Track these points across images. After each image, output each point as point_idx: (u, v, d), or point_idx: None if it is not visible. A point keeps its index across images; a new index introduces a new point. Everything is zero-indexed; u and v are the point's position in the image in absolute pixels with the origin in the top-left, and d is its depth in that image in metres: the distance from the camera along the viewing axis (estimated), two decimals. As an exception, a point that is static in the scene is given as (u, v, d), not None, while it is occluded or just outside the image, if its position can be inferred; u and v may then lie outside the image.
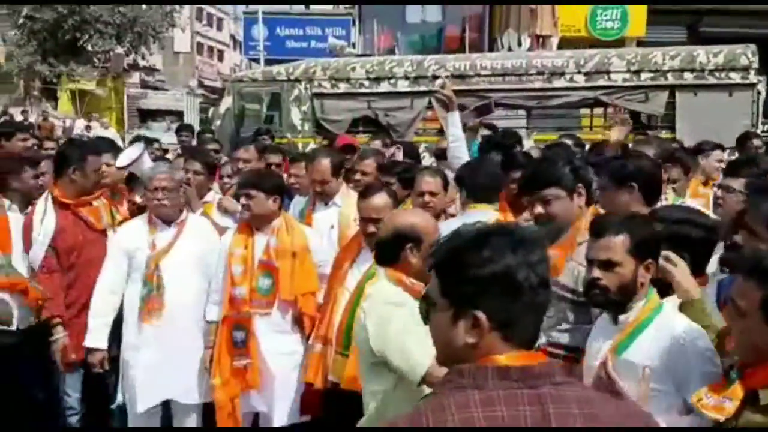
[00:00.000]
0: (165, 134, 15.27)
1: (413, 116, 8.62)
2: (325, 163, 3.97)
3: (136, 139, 6.92)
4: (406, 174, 3.93)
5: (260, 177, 3.69)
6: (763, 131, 8.72)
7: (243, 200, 3.56)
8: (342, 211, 3.95)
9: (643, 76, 8.06)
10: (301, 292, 3.55)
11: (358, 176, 4.25)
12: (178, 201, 3.70)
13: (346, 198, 3.99)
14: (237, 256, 3.57)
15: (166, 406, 3.75)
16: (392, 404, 2.24)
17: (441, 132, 8.60)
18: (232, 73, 40.99)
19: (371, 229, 3.04)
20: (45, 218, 3.74)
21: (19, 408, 3.51)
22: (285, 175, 4.57)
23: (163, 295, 3.54)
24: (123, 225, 3.75)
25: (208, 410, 3.68)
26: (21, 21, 22.12)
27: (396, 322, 2.19)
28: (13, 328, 3.50)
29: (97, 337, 3.64)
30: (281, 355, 3.55)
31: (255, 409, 3.63)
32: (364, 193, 3.31)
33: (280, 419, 3.55)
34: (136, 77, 28.37)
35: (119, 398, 3.68)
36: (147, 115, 22.99)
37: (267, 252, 3.54)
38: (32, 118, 18.31)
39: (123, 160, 4.22)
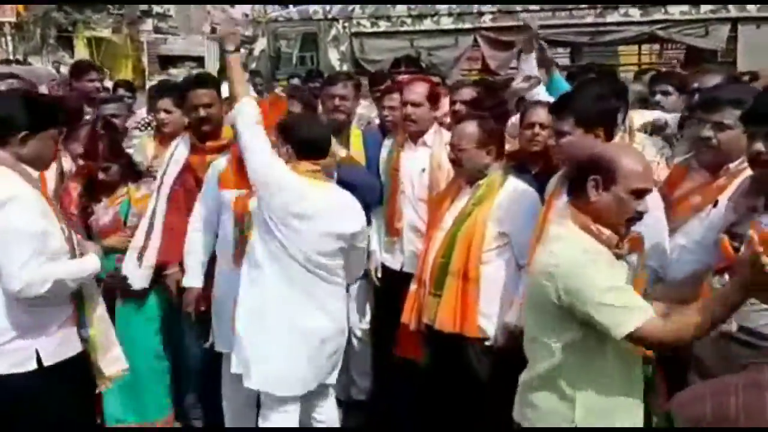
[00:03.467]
0: (187, 81, 14.85)
1: (458, 55, 8.27)
2: (422, 87, 3.66)
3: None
4: (499, 108, 3.65)
5: None
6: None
7: None
8: (433, 152, 3.66)
9: (703, 8, 7.64)
10: None
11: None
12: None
13: (438, 136, 3.70)
14: None
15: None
16: (574, 356, 2.03)
17: (486, 71, 8.28)
18: (244, 17, 40.21)
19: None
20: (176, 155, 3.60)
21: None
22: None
23: (246, 236, 3.27)
24: (212, 163, 3.48)
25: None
26: (34, -32, 21.60)
27: (597, 273, 1.99)
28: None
29: (192, 276, 3.42)
30: None
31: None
32: (459, 121, 3.21)
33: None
34: (149, 24, 27.82)
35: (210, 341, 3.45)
36: (167, 62, 22.52)
37: None
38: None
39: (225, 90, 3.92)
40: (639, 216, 2.08)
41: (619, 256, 2.08)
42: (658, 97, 4.28)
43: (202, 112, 3.47)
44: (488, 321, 3.00)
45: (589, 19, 7.91)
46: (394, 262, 3.81)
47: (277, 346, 2.95)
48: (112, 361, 2.74)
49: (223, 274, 3.37)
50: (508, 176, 3.08)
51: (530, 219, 2.89)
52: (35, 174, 2.63)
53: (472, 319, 2.98)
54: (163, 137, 3.99)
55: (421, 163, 3.66)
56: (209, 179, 3.43)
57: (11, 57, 17.33)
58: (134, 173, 3.76)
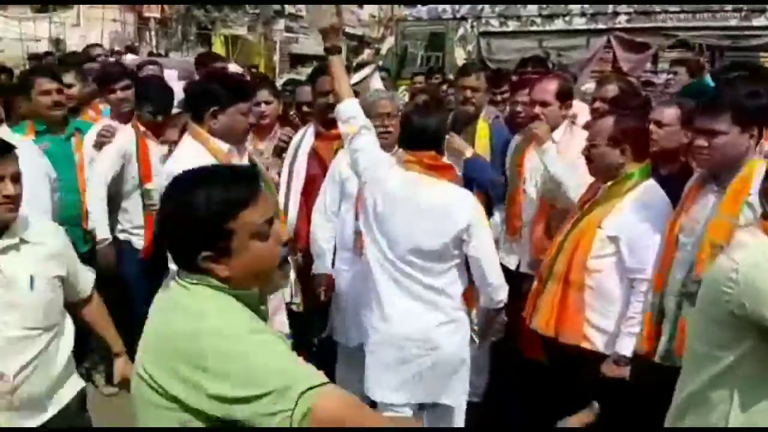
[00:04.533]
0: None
1: (589, 56, 8.03)
2: (553, 85, 3.57)
3: (291, 82, 6.77)
4: (643, 109, 3.47)
5: None
6: None
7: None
8: (560, 149, 3.51)
9: None
10: None
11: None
12: (398, 129, 3.44)
13: (567, 134, 3.55)
14: None
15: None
16: (749, 366, 1.89)
17: (617, 72, 7.99)
18: (371, 19, 40.83)
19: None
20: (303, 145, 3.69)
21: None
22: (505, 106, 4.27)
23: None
24: (338, 152, 3.55)
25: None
26: (179, -31, 22.92)
27: None
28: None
29: (320, 263, 3.47)
30: None
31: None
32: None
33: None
34: (281, 24, 28.85)
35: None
36: (297, 60, 23.32)
37: None
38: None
39: (355, 77, 4.02)
40: None
41: None
42: None
43: (330, 99, 3.55)
44: (599, 333, 2.85)
45: (733, 22, 7.46)
46: (510, 261, 3.71)
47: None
48: None
49: (345, 263, 3.41)
50: (643, 179, 2.89)
51: (654, 226, 2.74)
52: (225, 147, 2.74)
53: (573, 326, 2.86)
54: (261, 128, 4.00)
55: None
56: (335, 167, 3.50)
57: (154, 51, 18.45)
58: None
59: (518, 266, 3.68)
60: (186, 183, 1.54)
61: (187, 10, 22.42)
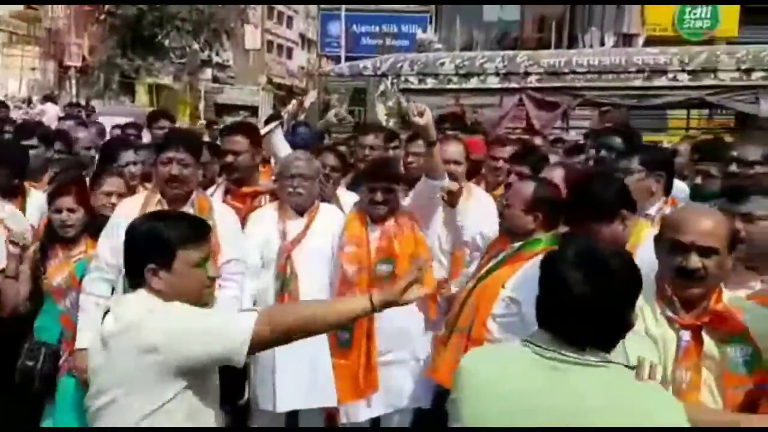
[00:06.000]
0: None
1: (502, 113, 8.32)
2: (456, 147, 3.73)
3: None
4: (541, 164, 3.67)
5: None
6: None
7: (381, 195, 3.38)
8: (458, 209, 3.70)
9: (755, 75, 7.55)
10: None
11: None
12: (313, 190, 3.52)
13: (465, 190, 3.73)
14: (350, 254, 3.40)
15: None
16: None
17: (530, 130, 8.33)
18: (300, 70, 41.33)
19: None
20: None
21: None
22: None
23: (297, 289, 3.34)
24: (253, 213, 3.58)
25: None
26: (102, 17, 22.71)
27: None
28: None
29: None
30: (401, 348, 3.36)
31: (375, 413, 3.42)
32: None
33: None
34: (208, 73, 28.84)
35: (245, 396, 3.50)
36: (222, 110, 23.32)
37: (386, 237, 3.37)
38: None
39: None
40: None
41: None
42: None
43: (230, 158, 3.60)
44: None
45: (637, 83, 7.89)
46: None
47: None
48: None
49: None
50: (550, 245, 2.97)
51: None
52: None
53: None
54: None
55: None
56: (251, 229, 3.52)
57: (74, 100, 18.11)
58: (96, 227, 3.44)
59: None
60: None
61: (109, 58, 22.13)
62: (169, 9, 22.21)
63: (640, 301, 2.06)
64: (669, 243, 2.13)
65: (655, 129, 8.46)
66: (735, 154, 3.51)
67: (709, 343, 2.08)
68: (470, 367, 1.86)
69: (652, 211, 3.14)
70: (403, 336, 3.44)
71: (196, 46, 24.09)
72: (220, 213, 3.32)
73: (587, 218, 2.66)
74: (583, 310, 1.70)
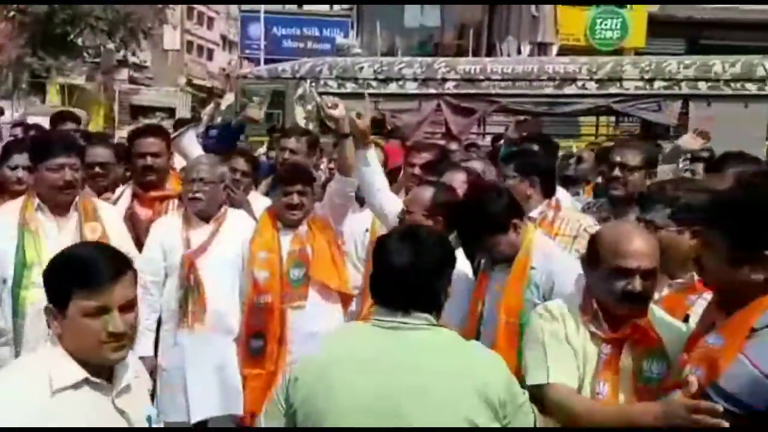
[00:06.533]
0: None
1: (420, 119, 8.44)
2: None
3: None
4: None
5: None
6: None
7: (296, 198, 3.37)
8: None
9: (657, 84, 7.93)
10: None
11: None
12: (216, 196, 3.45)
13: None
14: (262, 260, 3.39)
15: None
16: None
17: (448, 135, 8.47)
18: (221, 72, 40.72)
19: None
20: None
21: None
22: None
23: (203, 298, 3.28)
24: (157, 220, 3.50)
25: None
26: (11, 14, 21.74)
27: None
28: None
29: (143, 344, 3.35)
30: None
31: None
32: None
33: None
34: (124, 74, 28.03)
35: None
36: (138, 112, 22.67)
37: (298, 242, 3.38)
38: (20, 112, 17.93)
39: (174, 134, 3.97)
40: None
41: None
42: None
43: (149, 160, 3.52)
44: None
45: (548, 90, 8.16)
46: None
47: None
48: None
49: (171, 335, 3.39)
50: None
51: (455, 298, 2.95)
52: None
53: None
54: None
55: (365, 224, 3.73)
56: (154, 236, 3.45)
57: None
58: None
59: None
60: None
61: (18, 57, 21.20)
62: (82, 7, 21.45)
63: (564, 311, 2.23)
64: (611, 269, 2.18)
65: (567, 135, 8.74)
66: (618, 159, 3.64)
67: (627, 357, 2.16)
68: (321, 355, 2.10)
69: (534, 214, 3.29)
70: (315, 340, 3.44)
71: (111, 46, 23.33)
72: (108, 214, 3.23)
73: (482, 232, 2.76)
74: (402, 278, 2.00)
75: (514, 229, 2.76)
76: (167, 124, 13.50)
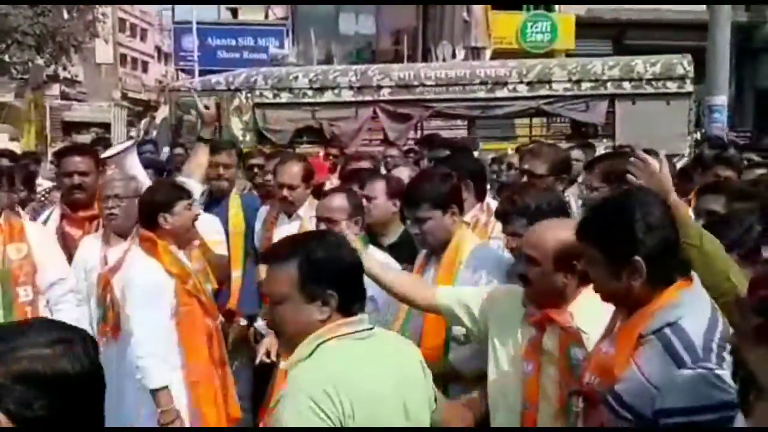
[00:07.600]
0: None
1: (358, 126, 8.52)
2: (297, 168, 3.81)
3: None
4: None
5: None
6: (697, 139, 9.05)
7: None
8: (304, 225, 3.79)
9: (584, 85, 8.21)
10: None
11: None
12: (132, 212, 3.41)
13: (310, 208, 3.83)
14: None
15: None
16: None
17: (386, 141, 8.58)
18: (157, 84, 40.07)
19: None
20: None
21: None
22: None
23: (117, 317, 3.24)
24: (83, 239, 3.47)
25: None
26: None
27: None
28: None
29: None
30: None
31: None
32: (325, 194, 3.37)
33: None
34: (56, 89, 27.30)
35: None
36: (71, 128, 22.08)
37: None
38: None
39: (109, 151, 3.91)
40: None
41: None
42: None
43: (76, 179, 3.50)
44: None
45: (481, 94, 8.35)
46: None
47: None
48: None
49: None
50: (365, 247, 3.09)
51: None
52: None
53: None
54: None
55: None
56: (81, 254, 3.44)
57: None
58: None
59: None
60: None
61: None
62: (8, 22, 20.81)
63: (515, 292, 2.42)
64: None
65: (502, 138, 8.94)
66: (526, 167, 3.77)
67: (553, 341, 2.27)
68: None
69: (467, 217, 3.32)
70: None
71: (40, 61, 22.69)
72: (35, 233, 3.19)
73: (424, 202, 2.81)
74: None
75: (451, 214, 2.83)
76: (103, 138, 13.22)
